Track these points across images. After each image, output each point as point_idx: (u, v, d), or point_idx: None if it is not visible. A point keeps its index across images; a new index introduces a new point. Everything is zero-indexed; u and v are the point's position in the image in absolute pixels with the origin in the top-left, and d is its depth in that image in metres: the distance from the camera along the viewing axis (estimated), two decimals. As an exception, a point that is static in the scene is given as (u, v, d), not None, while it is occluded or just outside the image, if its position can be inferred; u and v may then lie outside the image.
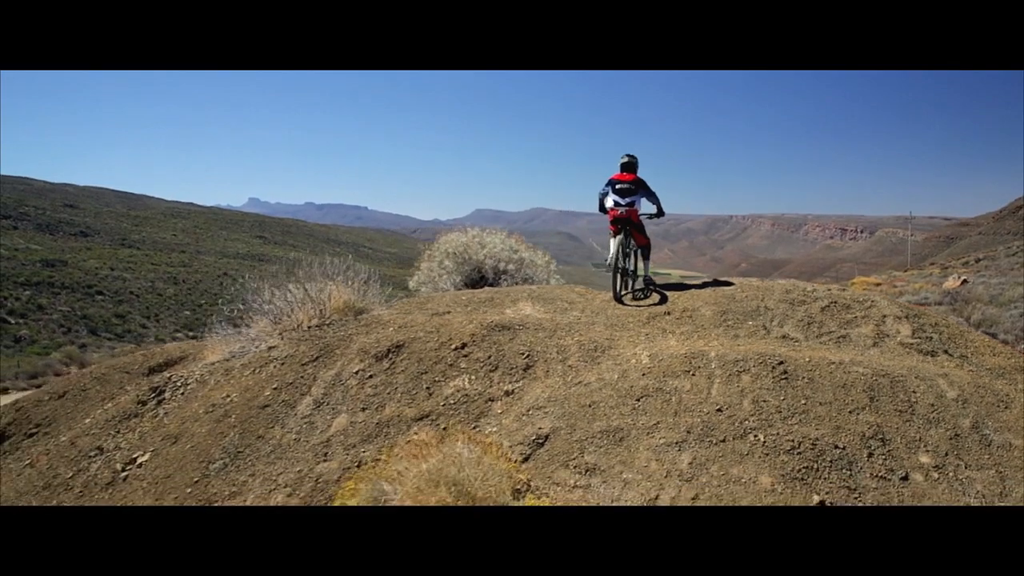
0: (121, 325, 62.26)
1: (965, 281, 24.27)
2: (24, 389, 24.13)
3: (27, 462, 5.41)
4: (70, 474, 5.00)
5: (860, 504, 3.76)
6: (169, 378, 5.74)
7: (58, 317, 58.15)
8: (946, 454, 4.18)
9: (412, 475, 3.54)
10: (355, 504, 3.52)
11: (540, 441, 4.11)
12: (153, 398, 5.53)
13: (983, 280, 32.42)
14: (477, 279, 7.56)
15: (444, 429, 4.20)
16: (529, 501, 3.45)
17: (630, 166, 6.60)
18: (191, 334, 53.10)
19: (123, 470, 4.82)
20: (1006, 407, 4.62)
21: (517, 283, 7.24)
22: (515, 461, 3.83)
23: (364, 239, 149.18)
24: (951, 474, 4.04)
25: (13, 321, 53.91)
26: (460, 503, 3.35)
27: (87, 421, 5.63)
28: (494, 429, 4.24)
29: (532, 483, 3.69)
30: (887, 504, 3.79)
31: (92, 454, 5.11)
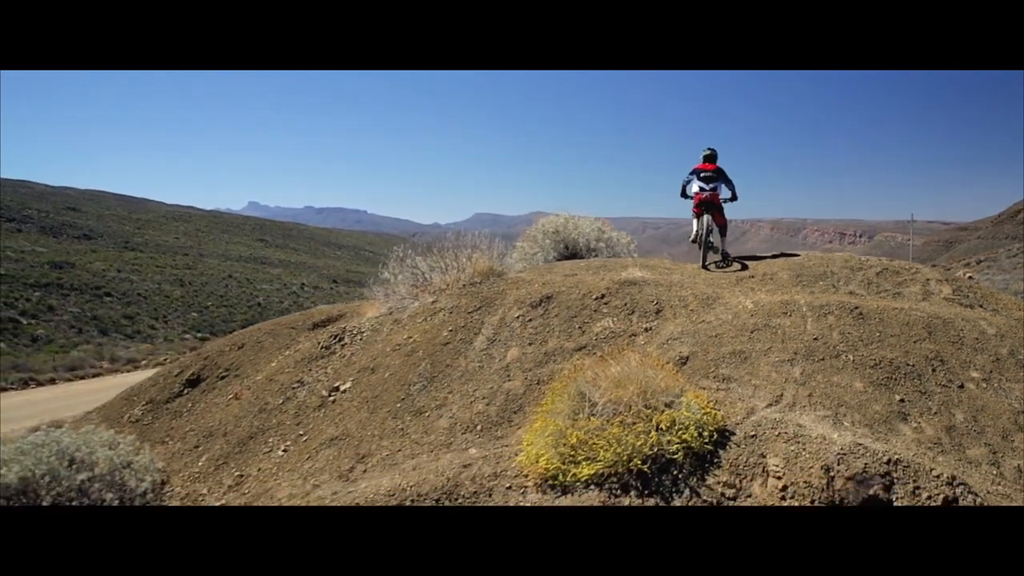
0: (130, 326, 63.11)
1: (971, 277, 25.75)
2: (69, 380, 25.29)
3: (230, 396, 6.71)
4: (280, 401, 6.32)
5: (930, 403, 5.11)
6: (344, 328, 7.08)
7: (68, 318, 58.94)
8: (991, 371, 5.54)
9: (603, 377, 4.88)
10: (564, 398, 4.85)
11: (683, 361, 5.47)
12: (335, 343, 6.87)
13: (987, 278, 33.99)
14: (569, 256, 8.86)
15: (601, 357, 5.54)
16: (690, 395, 4.78)
17: (712, 157, 7.99)
18: (200, 335, 53.97)
19: (329, 395, 6.14)
20: (1034, 341, 6.00)
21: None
22: (671, 372, 5.16)
23: (365, 242, 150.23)
24: (996, 385, 5.40)
25: (25, 322, 54.72)
26: (644, 397, 4.67)
27: (273, 364, 6.95)
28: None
29: (685, 388, 5.02)
30: (949, 405, 5.14)
31: (295, 386, 6.43)
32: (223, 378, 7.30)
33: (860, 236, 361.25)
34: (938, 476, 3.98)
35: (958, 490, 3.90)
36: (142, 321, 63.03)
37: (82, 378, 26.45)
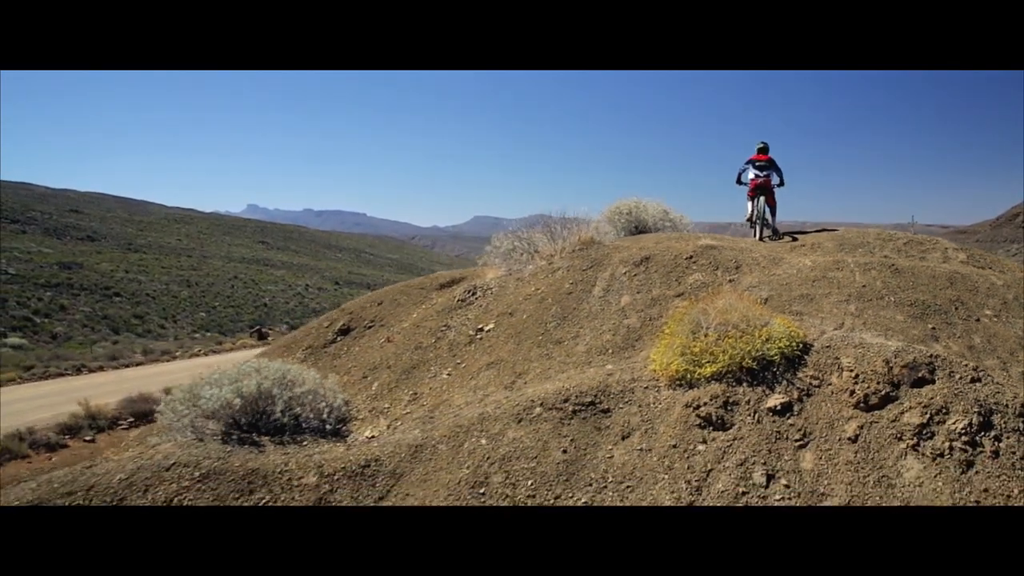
0: (141, 325, 64.44)
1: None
2: (115, 368, 26.88)
3: (382, 340, 8.43)
4: (432, 341, 8.04)
5: (954, 331, 6.83)
6: (475, 285, 8.83)
7: (80, 317, 60.27)
8: (999, 311, 7.30)
9: (711, 309, 6.61)
10: (683, 324, 6.57)
11: (763, 301, 7.21)
12: (470, 296, 8.60)
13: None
14: (639, 232, 10.58)
15: (703, 297, 7.27)
16: (778, 320, 6.50)
17: (765, 149, 9.76)
18: (208, 334, 55.25)
19: (476, 334, 7.87)
20: (1032, 291, 7.77)
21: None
22: (760, 306, 6.90)
23: (365, 245, 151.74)
24: (1004, 319, 7.15)
25: (38, 320, 56.00)
26: (745, 321, 6.39)
27: (415, 315, 8.68)
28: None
29: (772, 316, 6.75)
30: (968, 332, 6.86)
31: (442, 329, 8.16)
32: (369, 327, 9.01)
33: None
34: (965, 366, 5.72)
35: (980, 374, 5.65)
36: (152, 320, 64.38)
37: (127, 366, 28.06)
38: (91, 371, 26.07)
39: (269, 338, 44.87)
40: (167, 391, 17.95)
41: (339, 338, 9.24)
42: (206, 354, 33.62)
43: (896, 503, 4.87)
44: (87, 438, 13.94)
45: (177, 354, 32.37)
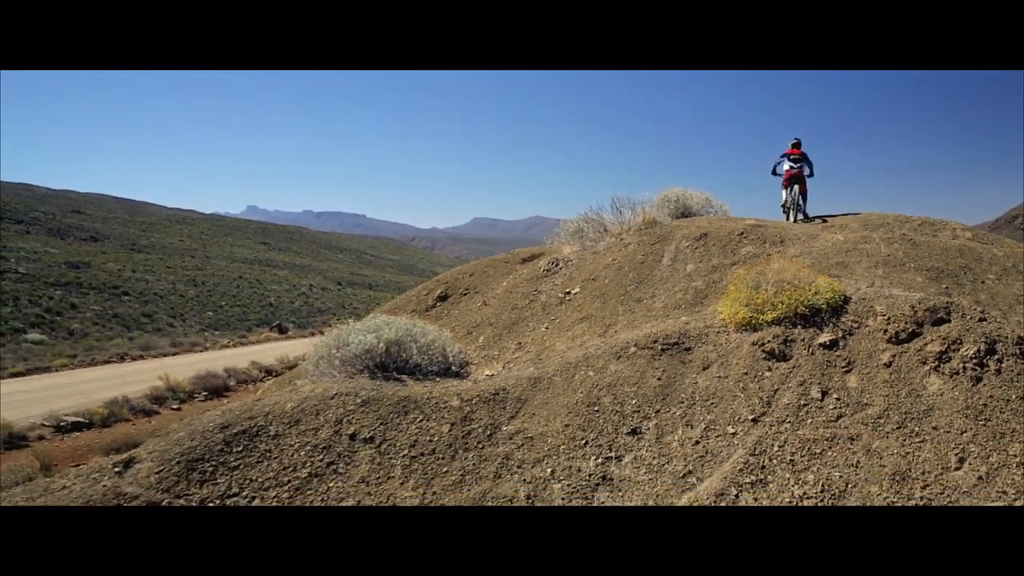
0: (150, 323, 65.78)
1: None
2: (154, 357, 28.49)
3: (479, 304, 10.05)
4: (526, 302, 9.67)
5: (963, 290, 8.47)
6: (557, 258, 10.49)
7: (91, 315, 61.58)
8: (1000, 275, 8.96)
9: (768, 270, 8.24)
10: (746, 282, 8.18)
11: (807, 267, 8.85)
12: (554, 267, 10.25)
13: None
14: (684, 217, 12.24)
15: (758, 263, 8.90)
16: (822, 279, 8.11)
17: (798, 145, 11.42)
18: (217, 333, 56.62)
19: (565, 296, 9.51)
20: (1027, 261, 9.44)
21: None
22: (806, 269, 8.53)
23: (366, 246, 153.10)
24: (1004, 282, 8.81)
25: (54, 318, 57.31)
26: (796, 278, 8.01)
27: (505, 283, 10.32)
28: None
29: (817, 276, 8.37)
30: (975, 291, 8.50)
31: (534, 293, 9.79)
32: (465, 294, 10.66)
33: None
34: (974, 310, 7.37)
35: (986, 316, 7.29)
36: (160, 319, 65.73)
37: (163, 356, 29.71)
38: (133, 359, 27.69)
39: (288, 332, 46.28)
40: (227, 370, 19.56)
41: (438, 303, 10.85)
42: (234, 346, 35.24)
43: (922, 408, 6.49)
44: (174, 407, 15.53)
45: (207, 346, 33.95)
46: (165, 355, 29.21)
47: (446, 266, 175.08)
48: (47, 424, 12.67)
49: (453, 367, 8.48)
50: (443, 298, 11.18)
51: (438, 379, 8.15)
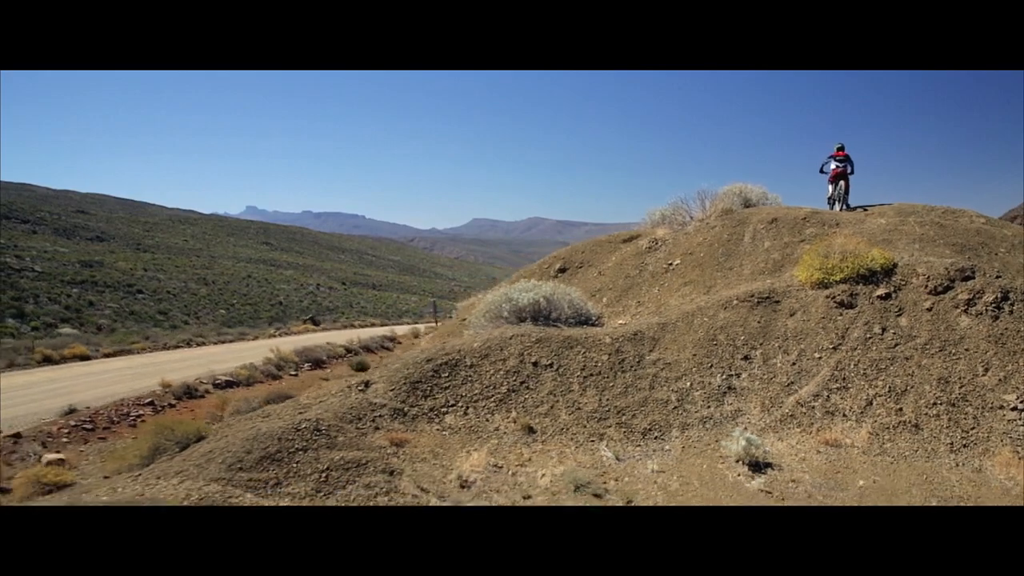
0: (166, 320, 68.11)
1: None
2: (215, 344, 31.05)
3: (595, 274, 12.87)
4: (636, 272, 12.49)
5: (981, 260, 11.29)
6: (655, 238, 13.34)
7: (110, 312, 63.90)
8: (1009, 249, 11.82)
9: (832, 244, 11.06)
10: (816, 252, 10.98)
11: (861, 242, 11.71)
12: (654, 244, 13.11)
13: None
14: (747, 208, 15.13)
15: (823, 240, 11.70)
16: (875, 250, 10.91)
17: (843, 148, 14.27)
18: (229, 330, 58.98)
19: (668, 267, 12.33)
20: (1029, 239, 12.34)
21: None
22: (863, 243, 11.35)
23: (367, 247, 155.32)
24: (1013, 254, 11.66)
25: (68, 315, 59.55)
26: (856, 249, 10.82)
27: (614, 258, 13.16)
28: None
29: (871, 249, 11.19)
30: (991, 260, 11.34)
31: (641, 265, 12.62)
32: (580, 267, 13.50)
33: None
34: (993, 271, 10.20)
35: (1000, 274, 10.11)
36: (176, 316, 68.04)
37: (221, 343, 32.35)
38: (199, 345, 30.44)
39: (320, 325, 48.96)
40: (316, 347, 22.29)
41: (559, 274, 13.62)
42: (281, 335, 37.84)
43: (956, 337, 9.31)
44: (292, 373, 18.20)
45: (254, 336, 36.57)
46: (222, 342, 31.86)
47: (447, 266, 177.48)
48: (205, 382, 15.30)
49: (592, 318, 11.26)
50: (562, 270, 13.94)
51: (583, 326, 10.92)
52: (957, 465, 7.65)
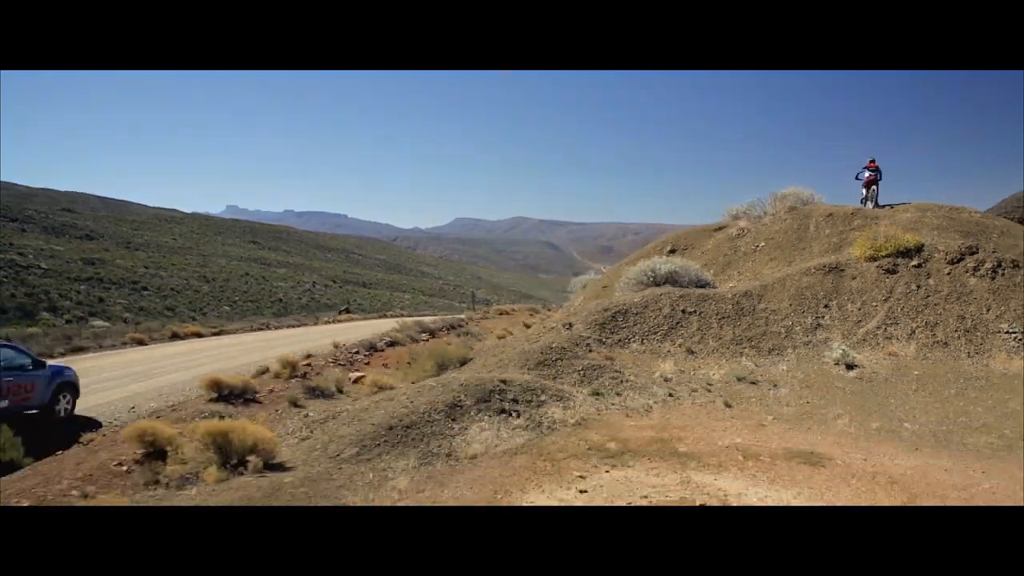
0: (174, 316, 71.75)
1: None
2: (272, 329, 35.59)
3: (698, 253, 18.05)
4: (731, 252, 17.68)
5: (981, 241, 16.65)
6: (740, 227, 18.50)
7: (119, 309, 67.47)
8: (1000, 235, 17.15)
9: (877, 232, 16.32)
10: (866, 237, 16.23)
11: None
12: (739, 234, 18.28)
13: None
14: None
15: (868, 228, 16.94)
16: (908, 235, 16.16)
17: (874, 160, 19.57)
18: (280, 320, 63.12)
19: (754, 249, 17.51)
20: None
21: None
22: (899, 231, 16.62)
23: (352, 245, 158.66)
24: (1003, 238, 17.02)
25: (80, 312, 63.01)
26: (896, 233, 16.10)
27: (711, 243, 18.33)
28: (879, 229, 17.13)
29: (904, 234, 16.46)
30: (989, 240, 16.70)
31: (733, 248, 17.80)
32: (685, 249, 18.60)
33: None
34: (991, 248, 15.51)
35: (996, 249, 15.43)
36: (183, 312, 71.48)
37: (287, 327, 36.88)
38: (272, 328, 34.96)
39: (352, 313, 53.37)
40: (400, 325, 27.18)
41: (671, 254, 18.62)
42: (332, 322, 42.42)
43: (967, 291, 14.55)
44: (424, 339, 22.97)
45: (313, 322, 41.12)
46: (289, 327, 36.35)
47: (432, 265, 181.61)
48: (375, 342, 20.08)
49: (707, 283, 16.35)
50: (672, 251, 18.85)
51: (702, 288, 16.00)
52: (972, 363, 12.88)
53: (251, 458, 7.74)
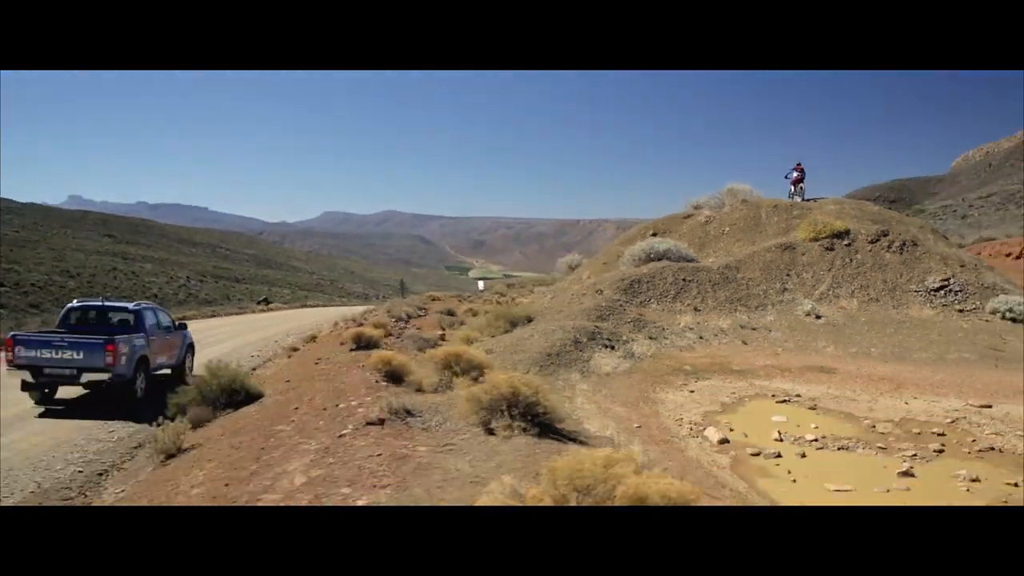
0: (39, 313, 67.89)
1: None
2: (255, 313, 36.63)
3: (676, 237, 22.41)
4: (703, 235, 22.13)
5: (884, 225, 22.23)
6: (706, 216, 23.01)
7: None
8: (898, 221, 22.88)
9: (817, 218, 21.42)
10: (807, 222, 21.24)
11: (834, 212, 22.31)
12: (708, 221, 22.78)
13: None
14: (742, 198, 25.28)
15: (806, 218, 22.00)
16: (838, 221, 21.33)
17: (800, 164, 24.84)
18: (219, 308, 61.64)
19: (723, 232, 22.08)
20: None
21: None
22: (831, 217, 21.82)
23: (218, 240, 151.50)
24: (903, 224, 22.74)
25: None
26: (828, 222, 21.24)
27: (684, 227, 22.69)
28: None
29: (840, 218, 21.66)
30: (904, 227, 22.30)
31: (705, 231, 22.29)
32: (664, 233, 22.75)
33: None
34: (898, 231, 20.98)
35: (902, 233, 20.93)
36: (50, 308, 67.47)
37: (253, 312, 37.91)
38: (210, 317, 36.12)
39: (271, 304, 54.04)
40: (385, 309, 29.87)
41: (652, 236, 22.82)
42: (265, 311, 43.30)
43: (884, 263, 19.79)
44: (421, 315, 25.60)
45: (238, 312, 42.03)
46: (221, 315, 37.32)
47: (303, 260, 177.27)
48: (400, 315, 22.57)
49: (692, 259, 20.59)
50: (654, 234, 22.78)
51: (689, 263, 20.24)
52: (897, 312, 17.98)
53: (474, 373, 10.72)
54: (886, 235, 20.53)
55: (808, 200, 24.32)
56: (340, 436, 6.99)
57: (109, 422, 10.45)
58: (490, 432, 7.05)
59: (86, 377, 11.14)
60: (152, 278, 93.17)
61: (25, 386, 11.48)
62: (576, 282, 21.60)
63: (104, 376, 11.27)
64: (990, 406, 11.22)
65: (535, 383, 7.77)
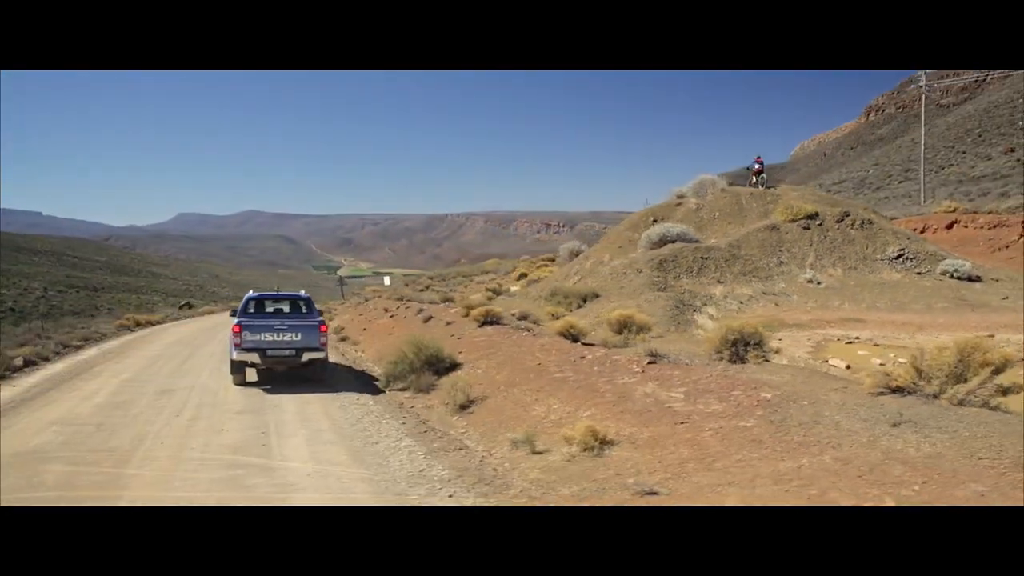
0: None
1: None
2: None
3: (675, 221, 26.22)
4: (698, 219, 25.93)
5: (828, 205, 27.11)
6: (697, 204, 26.89)
7: None
8: (850, 205, 27.95)
9: (791, 204, 25.90)
10: (781, 206, 25.65)
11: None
12: (698, 208, 26.67)
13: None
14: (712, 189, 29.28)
15: (779, 203, 26.45)
16: (809, 205, 25.89)
17: (760, 157, 29.35)
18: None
19: (714, 217, 26.03)
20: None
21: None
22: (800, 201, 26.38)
23: (62, 247, 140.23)
24: (849, 200, 27.77)
25: None
26: (798, 206, 25.78)
27: (678, 214, 26.40)
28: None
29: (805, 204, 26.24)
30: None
31: (698, 216, 25.99)
32: (663, 219, 26.21)
33: (563, 226, 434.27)
34: (857, 211, 25.85)
35: (860, 212, 25.83)
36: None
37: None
38: (173, 320, 36.19)
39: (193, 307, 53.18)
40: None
41: (653, 222, 26.21)
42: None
43: (851, 238, 24.52)
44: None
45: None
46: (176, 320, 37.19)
47: (162, 265, 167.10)
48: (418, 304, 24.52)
49: (696, 240, 24.35)
50: (655, 221, 26.19)
51: (694, 243, 23.96)
52: (874, 277, 22.55)
53: (642, 332, 13.62)
54: (848, 215, 25.22)
55: (769, 188, 28.92)
56: (643, 370, 9.72)
57: (335, 393, 12.18)
58: (731, 361, 9.93)
59: (307, 356, 12.39)
60: (4, 290, 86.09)
61: (234, 367, 12.93)
62: (598, 264, 24.63)
63: (320, 355, 12.68)
64: (993, 336, 15.44)
65: (751, 325, 10.88)
